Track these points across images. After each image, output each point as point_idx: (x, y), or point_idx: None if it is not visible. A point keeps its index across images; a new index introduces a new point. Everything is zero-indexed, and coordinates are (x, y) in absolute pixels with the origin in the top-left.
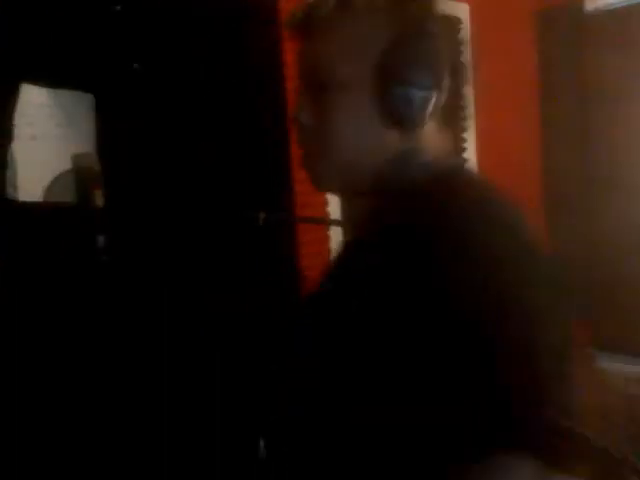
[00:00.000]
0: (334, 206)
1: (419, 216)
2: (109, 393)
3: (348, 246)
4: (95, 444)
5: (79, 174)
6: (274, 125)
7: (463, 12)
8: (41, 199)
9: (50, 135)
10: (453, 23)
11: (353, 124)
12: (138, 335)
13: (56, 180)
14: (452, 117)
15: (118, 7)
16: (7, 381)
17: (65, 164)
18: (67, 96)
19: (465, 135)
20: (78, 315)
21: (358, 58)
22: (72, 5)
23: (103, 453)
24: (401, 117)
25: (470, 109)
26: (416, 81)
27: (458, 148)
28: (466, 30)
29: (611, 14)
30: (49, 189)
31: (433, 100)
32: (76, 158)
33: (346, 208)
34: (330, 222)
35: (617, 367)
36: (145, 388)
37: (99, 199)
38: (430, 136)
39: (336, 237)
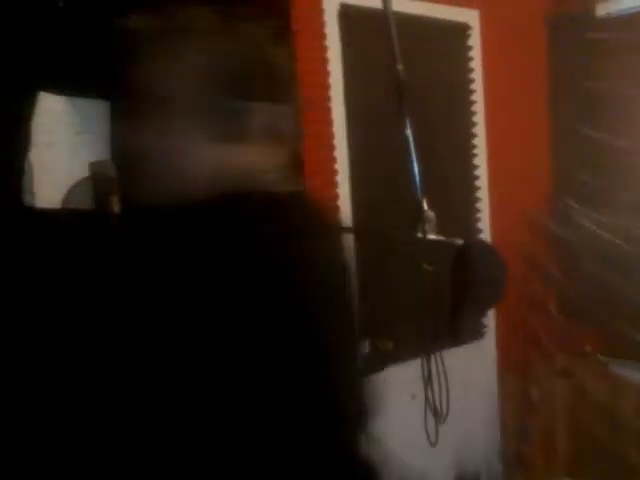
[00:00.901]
0: (345, 211)
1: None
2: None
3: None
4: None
5: (96, 181)
6: None
7: (473, 19)
8: (59, 206)
9: (66, 142)
10: (282, 43)
11: (177, 140)
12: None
13: (74, 187)
14: (283, 134)
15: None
16: (18, 385)
17: (82, 171)
18: (83, 104)
19: (475, 140)
20: (92, 320)
21: (177, 73)
22: (89, 13)
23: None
24: (221, 131)
25: (480, 114)
26: (232, 95)
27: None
28: (476, 37)
29: (622, 20)
30: (67, 196)
31: (253, 115)
32: (93, 165)
33: None
34: (341, 229)
35: (630, 374)
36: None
37: (116, 206)
38: (258, 153)
39: (347, 243)
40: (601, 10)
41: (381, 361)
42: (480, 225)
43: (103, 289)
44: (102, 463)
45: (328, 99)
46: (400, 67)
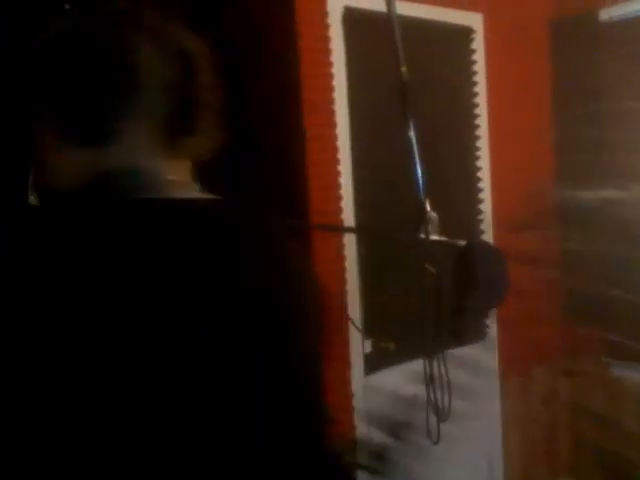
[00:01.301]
0: (348, 213)
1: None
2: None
3: None
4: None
5: None
6: (291, 135)
7: (477, 22)
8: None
9: None
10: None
11: (46, 147)
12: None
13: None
14: (178, 136)
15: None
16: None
17: None
18: None
19: (478, 142)
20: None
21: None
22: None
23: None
24: (82, 133)
25: (483, 117)
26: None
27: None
28: (479, 40)
29: (626, 24)
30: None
31: (123, 115)
32: None
33: None
34: (344, 229)
35: (632, 376)
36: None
37: None
38: (142, 155)
39: (351, 243)
40: (604, 14)
41: (383, 361)
42: (482, 226)
43: (105, 287)
44: (99, 462)
45: (332, 102)
46: (404, 69)
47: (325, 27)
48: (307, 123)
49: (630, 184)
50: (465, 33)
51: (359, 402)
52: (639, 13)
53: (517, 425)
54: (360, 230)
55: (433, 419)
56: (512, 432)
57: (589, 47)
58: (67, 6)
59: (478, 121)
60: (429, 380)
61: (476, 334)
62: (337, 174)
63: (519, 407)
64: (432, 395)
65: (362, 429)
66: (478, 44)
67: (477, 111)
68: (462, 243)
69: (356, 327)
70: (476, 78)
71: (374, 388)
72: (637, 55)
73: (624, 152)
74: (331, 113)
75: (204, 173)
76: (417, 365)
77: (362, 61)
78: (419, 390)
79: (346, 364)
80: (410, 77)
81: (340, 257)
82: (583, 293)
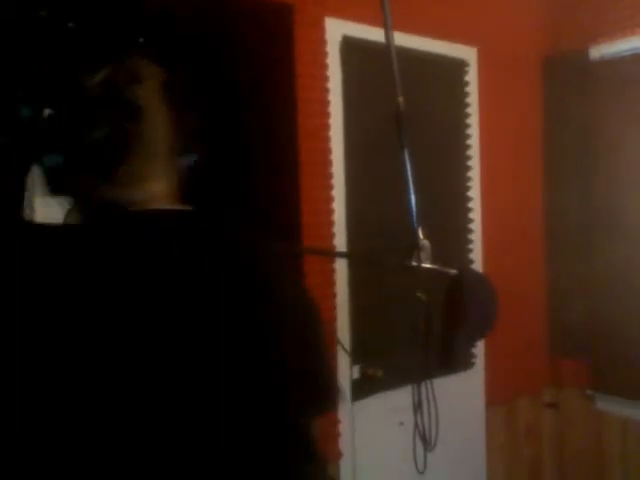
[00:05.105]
0: (340, 238)
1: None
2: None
3: None
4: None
5: None
6: (285, 159)
7: (471, 55)
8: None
9: None
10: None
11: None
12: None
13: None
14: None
15: (141, 39)
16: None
17: None
18: None
19: (469, 172)
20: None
21: None
22: (94, 33)
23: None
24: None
25: (475, 148)
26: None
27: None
28: (473, 73)
29: (616, 62)
30: (69, 213)
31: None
32: None
33: None
34: (336, 254)
35: (615, 409)
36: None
37: None
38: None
39: (341, 268)
40: (595, 52)
41: (370, 388)
42: (472, 255)
43: (98, 303)
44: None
45: (327, 128)
46: (400, 99)
47: (323, 54)
48: (302, 148)
49: (617, 216)
50: (459, 66)
51: (345, 429)
52: (628, 52)
53: (501, 454)
54: (352, 256)
55: (419, 447)
56: (496, 461)
57: (580, 83)
58: (70, 24)
59: (470, 152)
60: (417, 407)
61: (464, 363)
62: (331, 199)
63: (503, 437)
64: (420, 423)
65: (347, 455)
66: (472, 77)
67: (469, 142)
68: (454, 272)
69: (345, 351)
70: (469, 110)
71: (361, 415)
72: (625, 93)
73: (612, 183)
74: (326, 139)
75: (197, 198)
76: (405, 392)
77: (358, 89)
78: (406, 418)
79: None
80: (405, 106)
81: (331, 282)
82: (569, 325)
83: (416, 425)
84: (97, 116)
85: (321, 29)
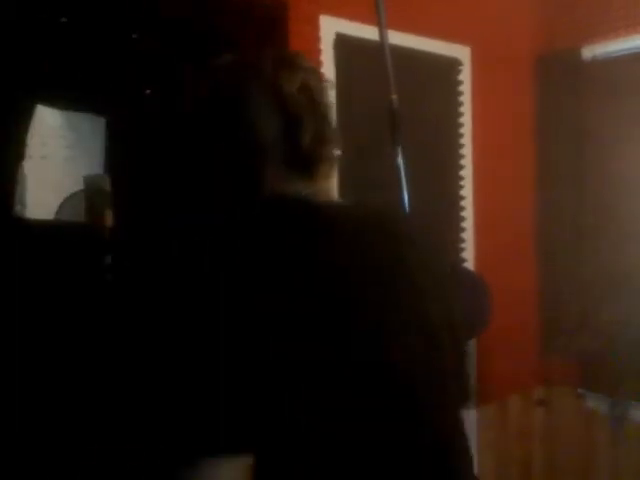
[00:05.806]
0: None
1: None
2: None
3: None
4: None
5: (90, 195)
6: None
7: (464, 54)
8: (52, 217)
9: (61, 156)
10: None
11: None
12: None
13: (67, 200)
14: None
15: (135, 35)
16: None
17: (75, 185)
18: (79, 119)
19: (462, 171)
20: (80, 331)
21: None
22: (89, 30)
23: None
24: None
25: (467, 147)
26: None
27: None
28: (466, 72)
29: (609, 63)
30: (60, 209)
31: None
32: (87, 179)
33: None
34: None
35: (605, 408)
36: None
37: (109, 220)
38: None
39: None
40: (588, 52)
41: None
42: (464, 254)
43: (87, 301)
44: None
45: None
46: (394, 96)
47: (317, 52)
48: None
49: (610, 218)
50: (453, 64)
51: None
52: (621, 53)
53: (491, 452)
54: None
55: None
56: (486, 459)
57: (572, 83)
58: (63, 19)
59: (463, 151)
60: None
61: None
62: None
63: (494, 435)
64: None
65: None
66: (465, 76)
67: (462, 141)
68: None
69: None
70: (462, 109)
71: None
72: (618, 93)
73: (605, 183)
74: None
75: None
76: None
77: (351, 86)
78: None
79: None
80: (399, 104)
81: None
82: (560, 324)
83: None
84: (303, 121)
85: (315, 27)
